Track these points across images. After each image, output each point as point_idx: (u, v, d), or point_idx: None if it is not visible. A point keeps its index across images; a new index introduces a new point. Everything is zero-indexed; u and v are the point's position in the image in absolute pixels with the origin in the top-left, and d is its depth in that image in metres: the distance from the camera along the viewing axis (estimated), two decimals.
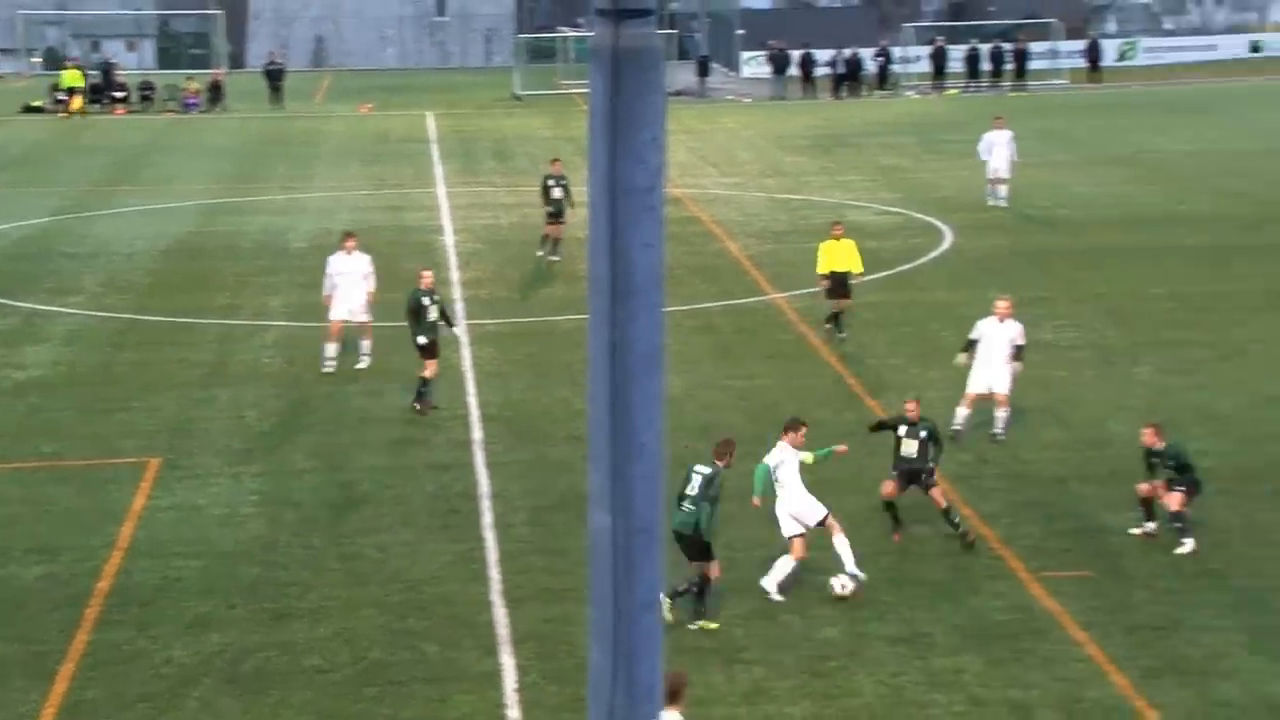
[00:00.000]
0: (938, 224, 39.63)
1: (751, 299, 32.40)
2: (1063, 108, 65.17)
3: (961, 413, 23.04)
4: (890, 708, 15.47)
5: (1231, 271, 33.82)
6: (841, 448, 19.51)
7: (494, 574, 18.86)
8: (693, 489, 17.52)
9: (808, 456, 18.66)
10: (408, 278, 34.69)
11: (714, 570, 17.45)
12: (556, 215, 35.21)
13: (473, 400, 25.74)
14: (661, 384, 5.96)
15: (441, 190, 46.84)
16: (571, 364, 27.25)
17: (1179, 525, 18.93)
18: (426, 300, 25.26)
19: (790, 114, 65.65)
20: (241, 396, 26.14)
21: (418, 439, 23.91)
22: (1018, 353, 23.34)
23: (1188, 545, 18.87)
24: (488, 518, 20.67)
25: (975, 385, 23.17)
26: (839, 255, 28.38)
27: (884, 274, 34.28)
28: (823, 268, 28.56)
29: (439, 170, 51.02)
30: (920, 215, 40.95)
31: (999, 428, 23.10)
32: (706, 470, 17.60)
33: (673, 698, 12.63)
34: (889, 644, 16.80)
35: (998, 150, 41.54)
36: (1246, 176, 45.87)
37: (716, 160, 52.17)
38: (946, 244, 37.31)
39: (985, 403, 23.38)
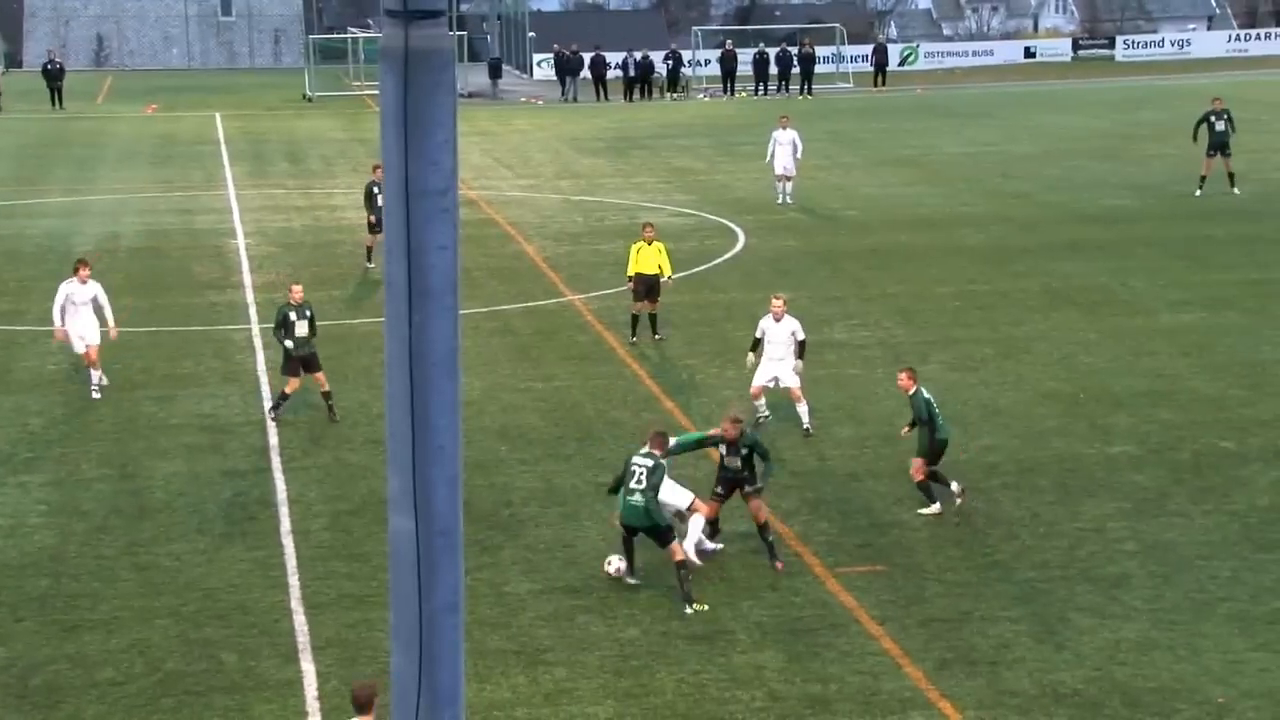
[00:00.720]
0: (731, 225, 40.16)
1: (549, 300, 32.47)
2: (849, 111, 66.52)
3: (757, 404, 24.05)
4: (692, 705, 15.65)
5: (1012, 270, 34.87)
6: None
7: (293, 580, 18.62)
8: (639, 481, 17.98)
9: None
10: (201, 282, 34.12)
11: (678, 553, 17.92)
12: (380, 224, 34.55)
13: (268, 406, 25.35)
14: (459, 387, 5.96)
15: (232, 192, 46.04)
16: (369, 367, 27.03)
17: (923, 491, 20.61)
18: (293, 315, 24.52)
19: (583, 116, 65.92)
20: (26, 404, 25.39)
21: (212, 446, 23.48)
22: (800, 348, 24.04)
23: (934, 508, 20.43)
24: (286, 524, 20.39)
25: (759, 379, 24.01)
26: (648, 258, 28.44)
27: (680, 275, 34.60)
28: (632, 269, 28.63)
29: (229, 172, 50.15)
30: (714, 217, 41.45)
31: (806, 422, 23.77)
32: (648, 461, 18.16)
33: (364, 708, 12.75)
34: (690, 642, 16.98)
35: (781, 149, 42.47)
36: (1025, 178, 47.32)
37: (511, 162, 52.17)
38: (740, 245, 37.83)
39: (775, 398, 23.82)
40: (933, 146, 54.76)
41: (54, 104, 67.96)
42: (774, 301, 24.31)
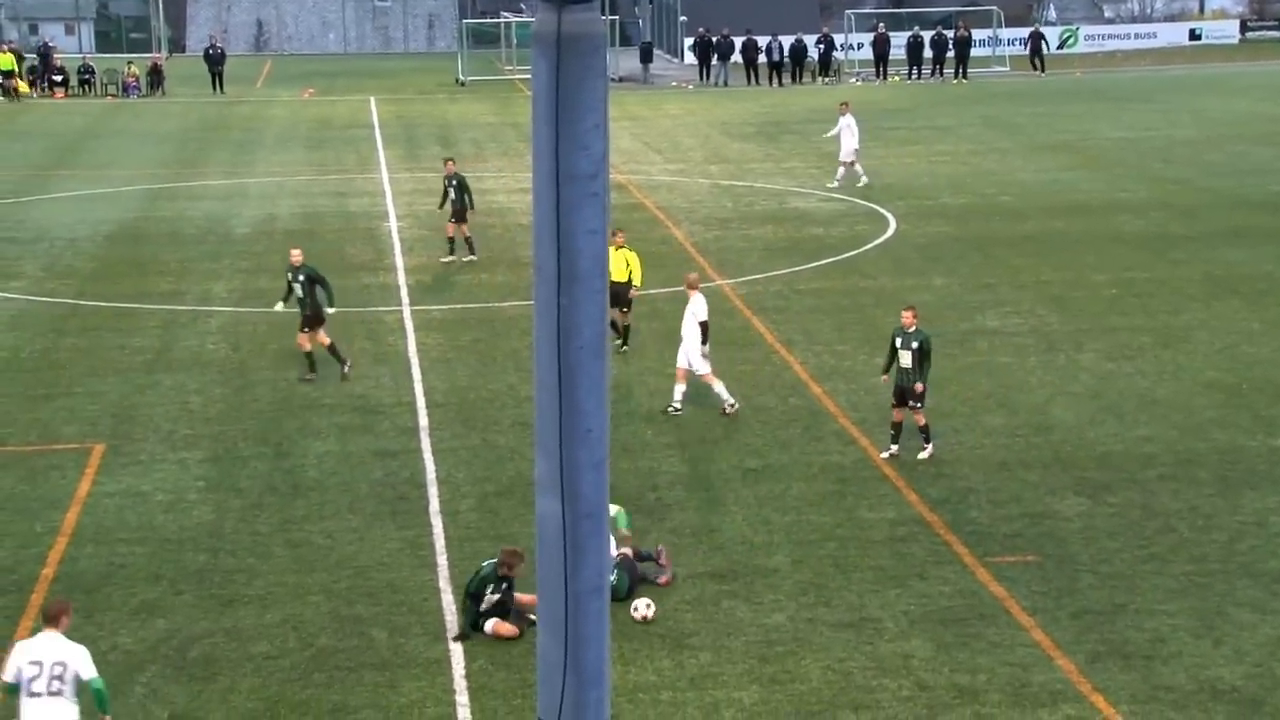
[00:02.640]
0: (882, 211, 39.80)
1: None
2: (1004, 95, 65.56)
3: (677, 389, 23.87)
4: (838, 692, 15.55)
5: (1172, 258, 34.13)
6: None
7: (441, 560, 18.84)
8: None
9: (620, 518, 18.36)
10: (354, 264, 34.65)
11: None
12: (458, 215, 34.25)
13: (419, 387, 25.68)
14: (607, 370, 5.96)
15: (385, 176, 46.66)
16: (517, 350, 27.23)
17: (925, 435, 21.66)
18: (289, 277, 26.07)
19: (733, 100, 65.74)
20: (186, 383, 25.98)
21: (364, 426, 23.84)
22: (703, 330, 23.77)
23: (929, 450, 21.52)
24: (435, 504, 20.63)
25: (679, 361, 23.92)
26: (617, 264, 26.61)
27: (829, 260, 34.42)
28: None
29: (382, 156, 50.83)
30: (864, 202, 41.11)
31: (725, 403, 23.76)
32: None
33: (52, 620, 13.61)
34: (836, 630, 16.88)
35: (845, 135, 42.36)
36: (1186, 164, 46.29)
37: (661, 147, 52.19)
38: (890, 231, 37.48)
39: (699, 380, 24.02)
40: (1091, 131, 53.78)
41: (215, 88, 69.38)
42: (688, 276, 24.44)
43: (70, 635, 16.85)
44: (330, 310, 26.28)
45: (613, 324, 27.21)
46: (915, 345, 21.65)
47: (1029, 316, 29.57)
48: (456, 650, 16.53)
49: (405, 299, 31.52)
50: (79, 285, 32.72)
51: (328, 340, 26.07)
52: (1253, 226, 37.02)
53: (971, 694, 15.50)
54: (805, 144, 51.83)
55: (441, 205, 35.19)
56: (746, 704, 15.34)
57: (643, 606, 17.11)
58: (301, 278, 25.99)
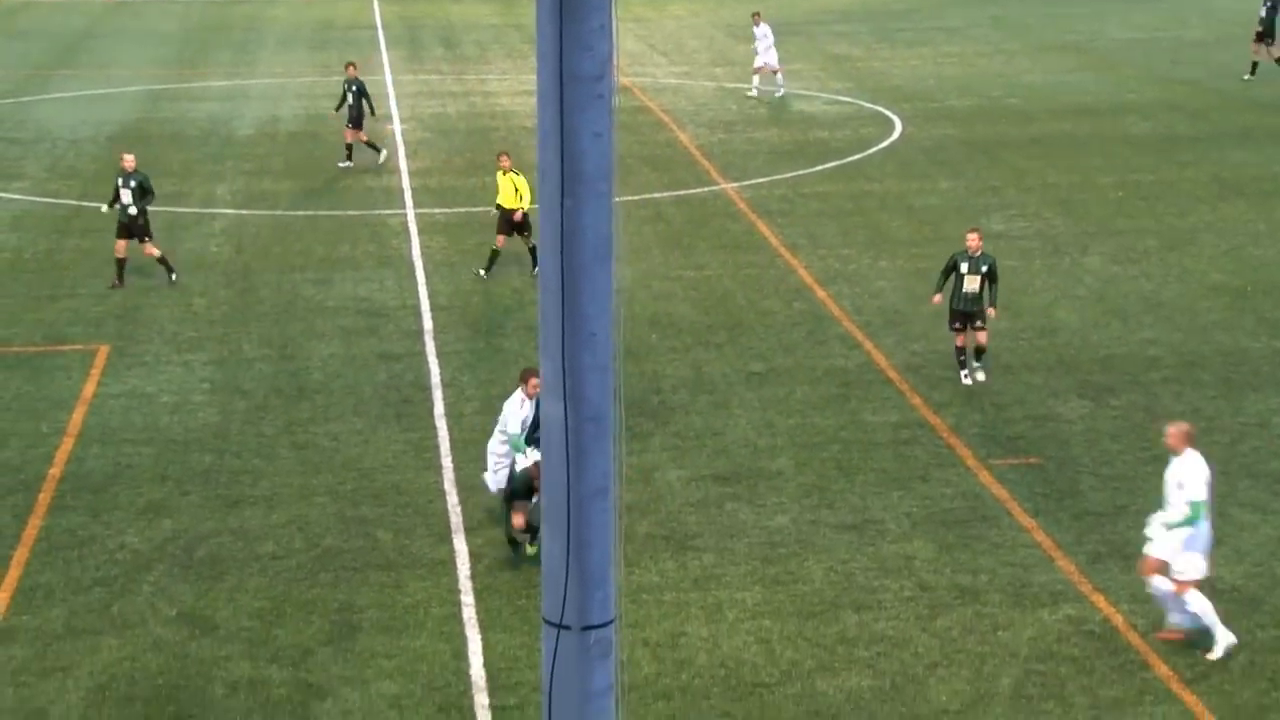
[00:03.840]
0: (888, 113, 39.55)
1: (702, 189, 32.33)
2: None
3: None
4: (840, 593, 15.68)
5: (1179, 160, 33.94)
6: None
7: (446, 462, 18.93)
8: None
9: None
10: (357, 167, 34.50)
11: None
12: (355, 122, 33.80)
13: (423, 290, 25.67)
14: (611, 274, 5.96)
15: (389, 78, 46.33)
16: (522, 253, 27.18)
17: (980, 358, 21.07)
18: (119, 182, 25.66)
19: (739, 2, 65.10)
20: (190, 284, 25.97)
21: (368, 329, 23.86)
22: None
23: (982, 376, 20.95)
24: (439, 407, 20.70)
25: None
26: (506, 190, 25.81)
27: (834, 164, 34.26)
28: (501, 199, 26.01)
29: (386, 58, 50.44)
30: (870, 105, 40.84)
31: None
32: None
33: None
34: (839, 531, 16.98)
35: (761, 45, 41.72)
36: (1195, 65, 45.90)
37: (665, 49, 51.77)
38: (896, 134, 37.27)
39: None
40: (1099, 32, 53.29)
41: None
42: None
43: (78, 534, 17.01)
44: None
45: (494, 252, 25.94)
46: (984, 269, 20.89)
47: (1034, 220, 29.47)
48: (462, 551, 16.66)
49: (409, 202, 31.43)
50: (82, 186, 32.61)
51: (157, 252, 25.72)
52: (1261, 127, 36.78)
53: (973, 594, 15.62)
54: (811, 45, 51.39)
55: (338, 108, 34.59)
56: (749, 604, 15.47)
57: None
58: (133, 184, 25.54)
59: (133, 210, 25.49)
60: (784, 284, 25.87)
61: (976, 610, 15.30)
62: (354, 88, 33.89)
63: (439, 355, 22.63)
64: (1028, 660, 14.38)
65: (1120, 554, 16.37)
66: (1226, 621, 14.59)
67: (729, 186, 32.27)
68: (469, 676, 14.22)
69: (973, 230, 21.40)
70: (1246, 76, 42.56)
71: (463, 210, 30.76)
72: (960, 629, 14.96)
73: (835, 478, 18.34)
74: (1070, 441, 19.32)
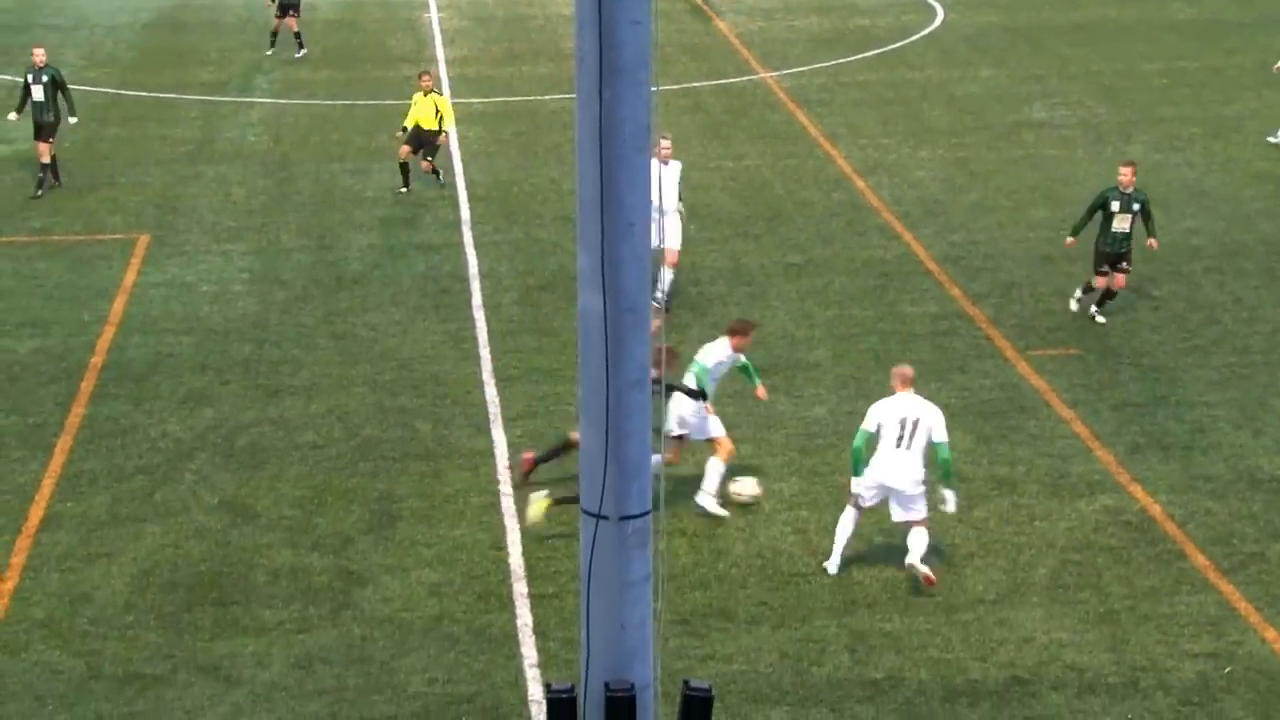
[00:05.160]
0: (930, 0, 39.03)
1: (741, 78, 32.04)
2: None
3: (666, 275, 19.73)
4: None
5: (1225, 46, 33.42)
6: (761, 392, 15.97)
7: (484, 353, 18.99)
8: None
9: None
10: (395, 55, 34.32)
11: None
12: (290, 7, 33.20)
13: (460, 180, 25.61)
14: (650, 164, 5.92)
15: None
16: (559, 144, 27.05)
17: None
18: (29, 78, 24.42)
19: None
20: (228, 174, 25.98)
21: (406, 219, 23.85)
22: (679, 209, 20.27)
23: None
24: (477, 298, 20.73)
25: (674, 241, 20.03)
26: (425, 110, 24.50)
27: (875, 52, 33.88)
28: (410, 120, 24.67)
29: None
30: None
31: (661, 291, 19.36)
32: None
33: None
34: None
35: None
36: None
37: None
38: (938, 21, 36.79)
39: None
40: None
41: None
42: (662, 143, 19.65)
43: (120, 422, 17.17)
44: (73, 120, 24.60)
45: (403, 165, 24.68)
46: (1137, 207, 19.20)
47: (1077, 108, 29.13)
48: (500, 441, 16.75)
49: (447, 91, 31.24)
50: (120, 74, 32.55)
51: (48, 157, 24.41)
52: None
53: (1010, 485, 15.64)
54: None
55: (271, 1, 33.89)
56: (786, 495, 15.54)
57: (749, 486, 15.27)
58: (45, 79, 24.33)
59: (48, 111, 24.15)
60: (823, 174, 25.70)
61: (1013, 501, 15.33)
62: None
63: (476, 246, 22.63)
64: (1064, 550, 14.42)
65: (1159, 444, 16.35)
66: (1269, 513, 14.57)
67: (768, 75, 31.98)
68: (508, 565, 14.36)
69: (1127, 164, 19.50)
70: None
71: (500, 100, 30.60)
72: (997, 519, 15.00)
73: (873, 369, 18.32)
74: (1109, 332, 19.23)
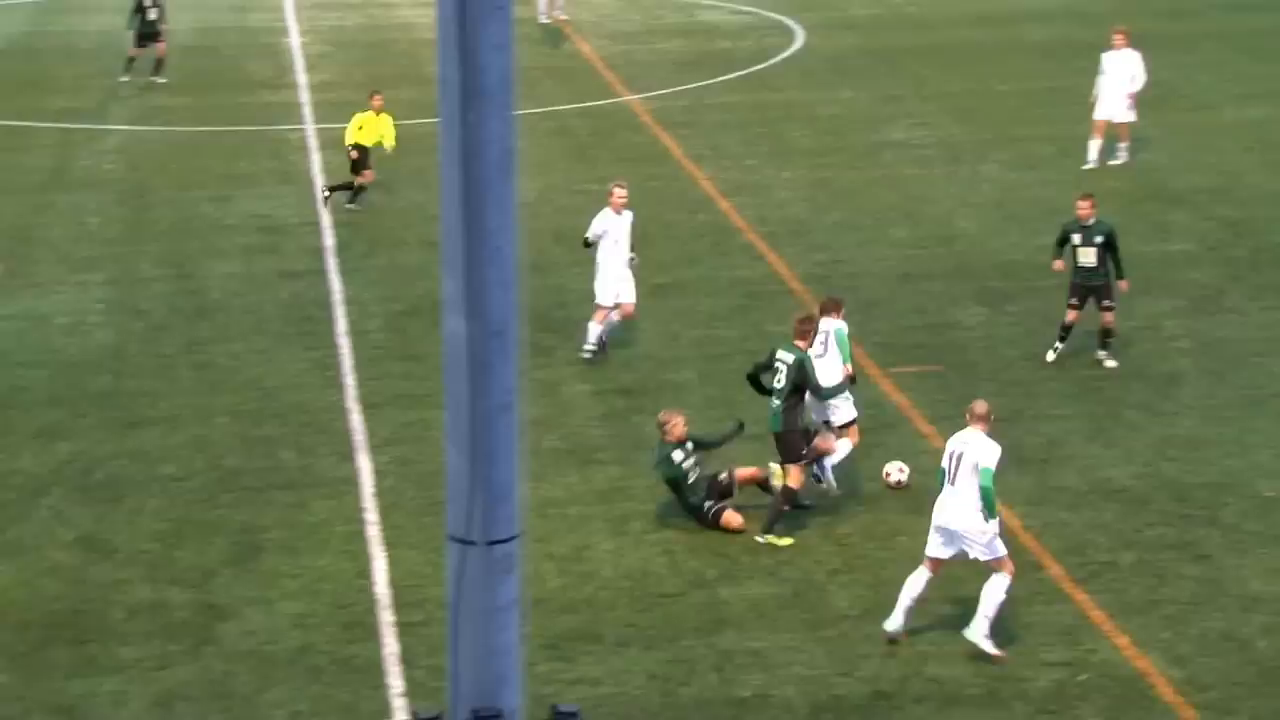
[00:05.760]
0: (790, 23, 39.48)
1: (606, 101, 32.17)
2: None
3: (594, 329, 19.33)
4: (744, 502, 15.80)
5: (1075, 66, 34.14)
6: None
7: (350, 380, 18.84)
8: (780, 381, 15.34)
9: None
10: (255, 81, 33.96)
11: (794, 478, 15.27)
12: (151, 36, 32.90)
13: (322, 200, 25.39)
14: (515, 188, 5.94)
15: None
16: (424, 169, 26.92)
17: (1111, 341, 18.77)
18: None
19: None
20: (83, 203, 25.53)
21: (268, 246, 23.61)
22: (630, 259, 19.61)
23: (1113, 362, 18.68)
24: (342, 324, 20.57)
25: (605, 297, 19.36)
26: (371, 128, 24.65)
27: (737, 74, 34.20)
28: (350, 139, 24.75)
29: None
30: (772, 14, 40.74)
31: (594, 339, 19.29)
32: (790, 357, 15.36)
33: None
34: (743, 442, 16.99)
35: None
36: None
37: None
38: (799, 43, 37.23)
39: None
40: None
41: None
42: (615, 191, 19.44)
43: None
44: None
45: (353, 186, 24.80)
46: (1100, 239, 18.37)
47: (934, 128, 29.64)
48: (365, 469, 16.63)
49: (309, 117, 31.02)
50: None
51: None
52: (1153, 33, 36.99)
53: (873, 501, 15.83)
54: None
55: (130, 26, 33.26)
56: (654, 516, 15.59)
57: (895, 470, 15.81)
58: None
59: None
60: (688, 196, 25.87)
61: (877, 517, 15.52)
62: (154, 1, 32.99)
63: (341, 272, 22.46)
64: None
65: (1016, 458, 16.60)
66: (1120, 523, 14.91)
67: (633, 98, 32.14)
68: (374, 594, 14.25)
69: (1084, 196, 18.79)
70: None
71: None
72: (861, 535, 15.18)
73: (739, 389, 18.39)
74: (969, 348, 19.56)
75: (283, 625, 13.76)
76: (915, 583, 13.30)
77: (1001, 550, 13.15)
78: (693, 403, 18.09)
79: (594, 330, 19.13)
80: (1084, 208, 18.57)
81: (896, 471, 15.90)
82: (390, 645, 13.45)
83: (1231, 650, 13.14)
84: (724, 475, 15.47)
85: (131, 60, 33.20)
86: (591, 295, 21.50)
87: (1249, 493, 15.75)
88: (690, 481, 15.30)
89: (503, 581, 6.07)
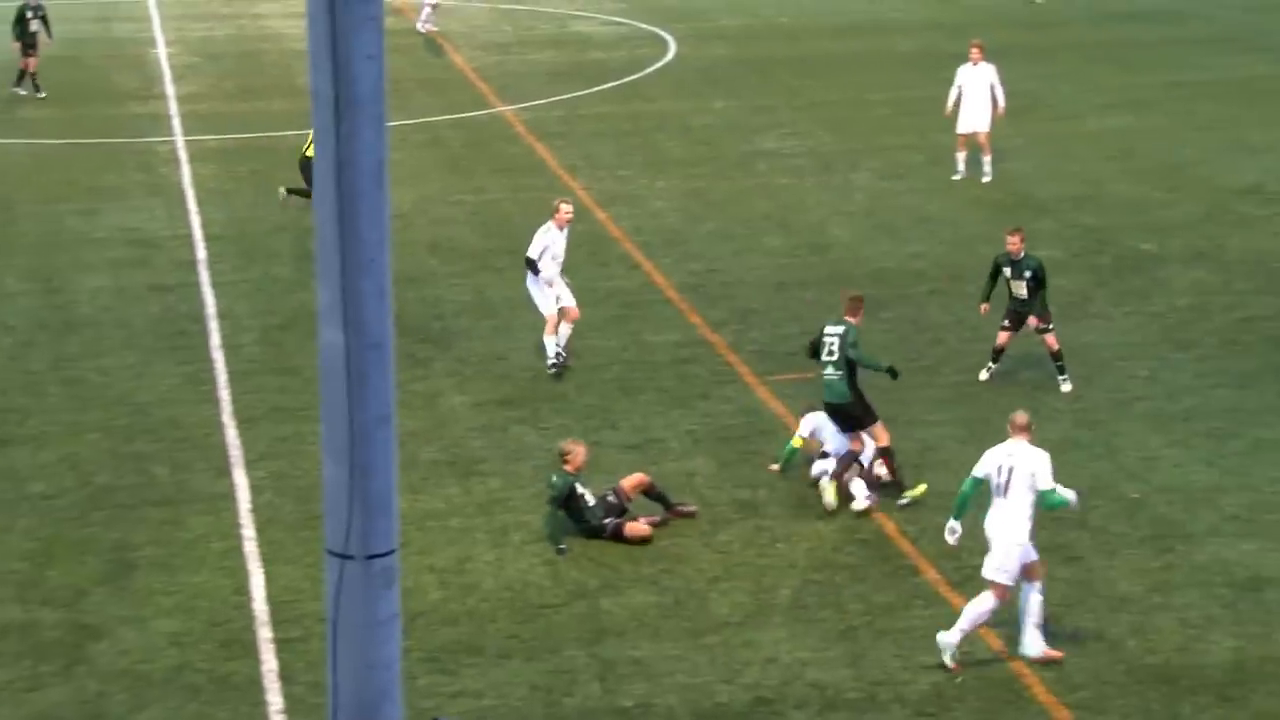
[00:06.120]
0: (662, 34, 39.68)
1: (479, 111, 32.11)
2: None
3: (550, 342, 19.13)
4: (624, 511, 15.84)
5: (942, 76, 34.62)
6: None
7: (224, 394, 18.62)
8: (832, 353, 16.16)
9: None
10: (122, 93, 33.45)
11: (881, 436, 16.11)
12: (32, 46, 32.54)
13: (195, 219, 25.10)
14: (388, 199, 5.93)
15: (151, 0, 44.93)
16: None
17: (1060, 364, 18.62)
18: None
19: None
20: None
21: (139, 260, 23.26)
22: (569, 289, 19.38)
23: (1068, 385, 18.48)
24: (215, 338, 20.33)
25: (549, 306, 19.19)
26: None
27: (610, 85, 34.29)
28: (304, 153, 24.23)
29: None
30: (645, 25, 40.92)
31: (553, 355, 19.09)
32: (839, 329, 16.23)
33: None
34: (622, 451, 17.14)
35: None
36: None
37: None
38: (671, 54, 37.44)
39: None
40: None
41: None
42: (562, 207, 19.60)
43: None
44: None
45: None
46: (1029, 274, 18.44)
47: (806, 138, 29.93)
48: (242, 484, 16.44)
49: (178, 129, 30.63)
50: None
51: None
52: (1016, 44, 37.74)
53: (753, 508, 15.94)
54: None
55: (15, 37, 32.85)
56: (535, 527, 15.58)
57: (862, 499, 15.79)
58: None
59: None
60: None
61: (756, 524, 15.63)
62: (38, 14, 32.53)
63: (214, 285, 22.19)
64: (805, 570, 14.76)
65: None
66: None
67: (507, 109, 32.11)
68: (252, 611, 14.09)
69: (1013, 231, 18.74)
70: None
71: (235, 137, 30.10)
72: (741, 543, 15.28)
73: (618, 398, 18.51)
74: None
75: (158, 644, 13.56)
76: (979, 607, 13.11)
77: (1035, 554, 13.27)
78: (572, 413, 18.11)
79: (550, 344, 19.02)
80: (1013, 243, 18.57)
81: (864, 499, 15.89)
82: (269, 662, 13.30)
83: (1102, 650, 13.39)
84: (611, 494, 15.51)
85: (23, 72, 32.65)
86: (468, 307, 21.45)
87: (1116, 495, 16.08)
88: (590, 505, 15.33)
89: (382, 595, 6.04)
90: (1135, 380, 18.86)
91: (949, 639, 13.09)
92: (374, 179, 5.81)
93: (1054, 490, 13.22)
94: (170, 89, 33.94)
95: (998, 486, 13.26)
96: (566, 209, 19.59)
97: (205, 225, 24.82)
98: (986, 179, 26.39)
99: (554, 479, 15.35)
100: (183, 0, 44.81)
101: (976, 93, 26.58)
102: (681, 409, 18.21)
